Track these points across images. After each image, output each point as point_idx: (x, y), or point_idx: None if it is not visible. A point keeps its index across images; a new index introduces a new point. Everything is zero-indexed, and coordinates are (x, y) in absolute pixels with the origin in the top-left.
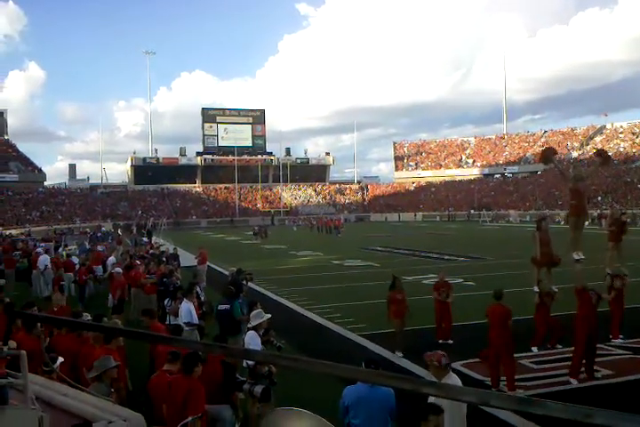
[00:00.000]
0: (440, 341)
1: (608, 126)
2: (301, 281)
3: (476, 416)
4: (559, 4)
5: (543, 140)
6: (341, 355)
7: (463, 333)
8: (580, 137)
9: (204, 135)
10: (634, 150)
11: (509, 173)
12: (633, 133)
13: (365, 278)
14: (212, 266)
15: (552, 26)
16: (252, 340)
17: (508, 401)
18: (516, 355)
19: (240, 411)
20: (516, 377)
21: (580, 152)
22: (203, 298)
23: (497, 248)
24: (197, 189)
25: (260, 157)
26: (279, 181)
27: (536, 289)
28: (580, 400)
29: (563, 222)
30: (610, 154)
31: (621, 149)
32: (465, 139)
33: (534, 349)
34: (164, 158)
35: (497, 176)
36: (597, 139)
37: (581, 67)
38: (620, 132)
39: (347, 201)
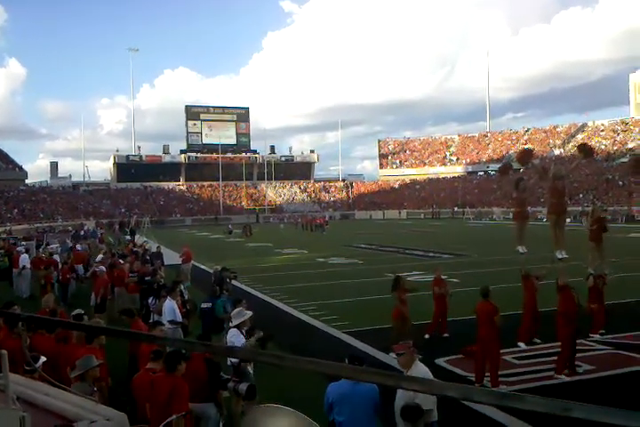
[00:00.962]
0: (443, 334)
1: (589, 124)
2: (286, 279)
3: (466, 414)
4: (542, 2)
5: (526, 137)
6: (326, 352)
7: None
8: (562, 135)
9: (187, 133)
10: (615, 148)
11: (493, 170)
12: (614, 131)
13: (350, 276)
14: (197, 264)
15: (534, 24)
16: (235, 338)
17: (489, 396)
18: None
19: (224, 409)
20: (500, 373)
21: (563, 150)
22: (186, 296)
23: (481, 245)
24: (181, 187)
25: (244, 154)
26: (264, 179)
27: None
28: (562, 395)
29: (545, 220)
30: (592, 147)
31: (602, 147)
32: (449, 136)
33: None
34: (147, 156)
35: (480, 174)
36: (579, 136)
37: (563, 65)
38: (602, 130)
39: (331, 199)
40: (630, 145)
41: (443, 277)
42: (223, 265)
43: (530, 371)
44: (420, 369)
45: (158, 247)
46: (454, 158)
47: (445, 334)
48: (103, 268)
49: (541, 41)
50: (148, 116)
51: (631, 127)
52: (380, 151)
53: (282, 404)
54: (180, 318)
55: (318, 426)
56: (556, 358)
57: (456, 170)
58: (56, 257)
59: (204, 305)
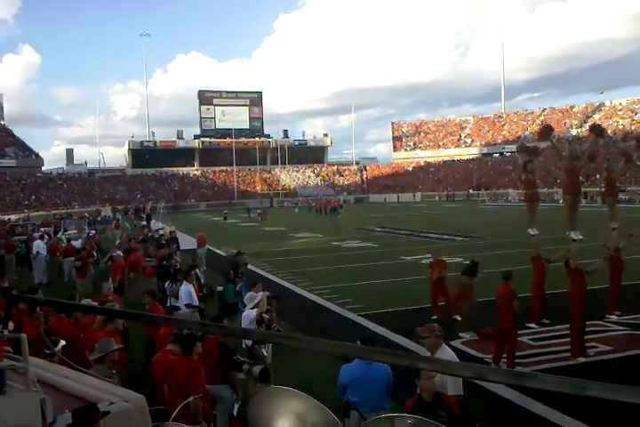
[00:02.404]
0: (434, 317)
1: (607, 104)
2: (300, 263)
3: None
4: None
5: (542, 118)
6: (341, 334)
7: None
8: (578, 115)
9: (201, 118)
10: (633, 127)
11: (508, 151)
12: (631, 111)
13: (364, 259)
14: (212, 249)
15: (550, 3)
16: (248, 316)
17: (503, 375)
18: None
19: (240, 391)
20: (516, 355)
21: (579, 130)
22: (202, 281)
23: (496, 227)
24: (195, 173)
25: (257, 139)
26: (277, 164)
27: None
28: (578, 376)
29: (561, 201)
30: (603, 128)
31: (620, 127)
32: (463, 118)
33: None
34: (161, 142)
35: (496, 155)
36: (596, 116)
37: (580, 44)
38: (619, 110)
39: (345, 182)
40: None
41: (457, 259)
42: (238, 249)
43: (546, 352)
44: (447, 353)
45: (173, 232)
46: (469, 140)
47: (434, 317)
48: (120, 253)
49: (557, 19)
50: (161, 102)
51: None
52: (393, 134)
53: (297, 386)
54: (196, 301)
55: (324, 407)
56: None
57: (471, 152)
58: (74, 243)
59: (218, 288)
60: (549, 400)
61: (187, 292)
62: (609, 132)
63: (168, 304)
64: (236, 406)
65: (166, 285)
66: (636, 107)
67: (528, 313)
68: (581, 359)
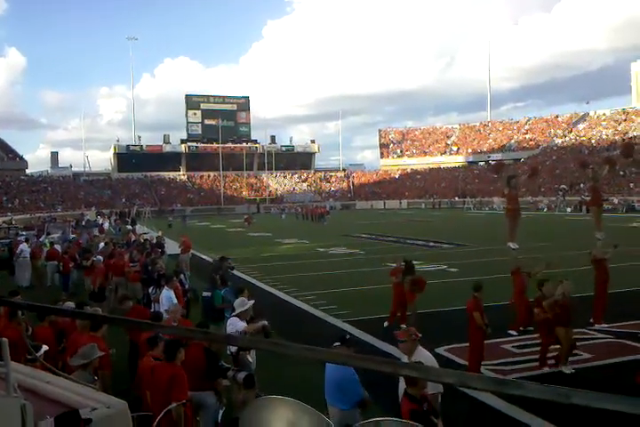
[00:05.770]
0: (386, 324)
1: (591, 114)
2: (286, 268)
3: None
4: None
5: (527, 127)
6: (326, 341)
7: (445, 318)
8: (563, 124)
9: (187, 122)
10: (616, 137)
11: (493, 160)
12: (615, 121)
13: (350, 266)
14: (197, 254)
15: (535, 13)
16: (234, 325)
17: (486, 382)
18: (497, 340)
19: (224, 398)
20: (498, 361)
21: (564, 139)
22: (187, 286)
23: (481, 235)
24: (182, 177)
25: (244, 144)
26: (264, 169)
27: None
28: (561, 383)
29: (545, 209)
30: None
31: (604, 137)
32: (450, 126)
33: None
34: (147, 146)
35: (481, 163)
36: (580, 126)
37: (564, 55)
38: (603, 120)
39: (332, 189)
40: (632, 134)
41: (442, 266)
42: (222, 255)
43: (529, 360)
44: (424, 355)
45: (159, 237)
46: (455, 148)
47: (402, 325)
48: (100, 257)
49: (542, 30)
50: (148, 106)
51: (633, 117)
52: (380, 141)
53: (283, 392)
54: None
55: (319, 414)
56: (557, 346)
57: (457, 160)
58: (57, 247)
59: (204, 294)
60: (532, 407)
61: (167, 297)
62: (592, 142)
63: (152, 309)
64: (221, 413)
65: (150, 290)
66: (620, 117)
67: (509, 320)
68: (568, 369)
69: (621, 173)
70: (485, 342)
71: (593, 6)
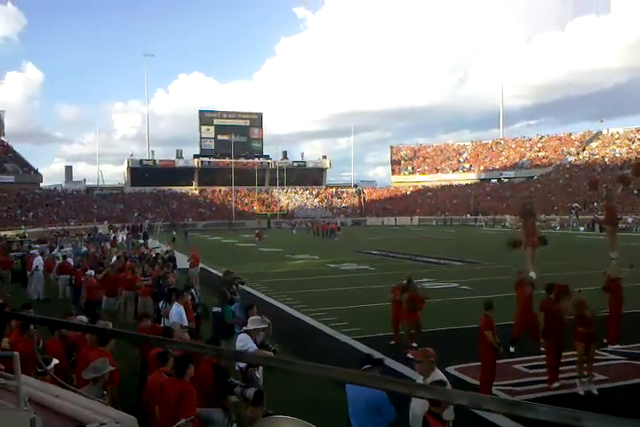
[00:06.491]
0: (394, 342)
1: (604, 132)
2: (297, 284)
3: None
4: (556, 10)
5: (540, 145)
6: (336, 358)
7: (455, 336)
8: (576, 142)
9: (200, 138)
10: (629, 156)
11: (505, 177)
12: (629, 139)
13: (361, 282)
14: (208, 269)
15: (548, 32)
16: (245, 342)
17: (498, 404)
18: (509, 360)
19: (233, 414)
20: (509, 382)
21: (577, 157)
22: (197, 300)
23: (493, 253)
24: (194, 192)
25: (256, 160)
26: (276, 185)
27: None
28: (574, 405)
29: (558, 228)
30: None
31: (617, 155)
32: (462, 143)
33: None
34: (160, 161)
35: (493, 181)
36: (594, 144)
37: (577, 73)
38: (617, 138)
39: (343, 205)
40: None
41: (453, 284)
42: (227, 269)
43: (540, 381)
44: (439, 377)
45: (171, 251)
46: (467, 165)
47: (414, 344)
48: (92, 271)
49: (555, 48)
50: (161, 121)
51: None
52: (392, 157)
53: (291, 409)
54: (185, 322)
55: None
56: (573, 366)
57: (469, 177)
58: (69, 260)
59: (214, 309)
60: None
61: (177, 313)
62: (605, 160)
63: (162, 324)
64: None
65: (160, 304)
66: (633, 135)
67: (523, 339)
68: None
69: (635, 191)
70: (497, 361)
71: (605, 25)
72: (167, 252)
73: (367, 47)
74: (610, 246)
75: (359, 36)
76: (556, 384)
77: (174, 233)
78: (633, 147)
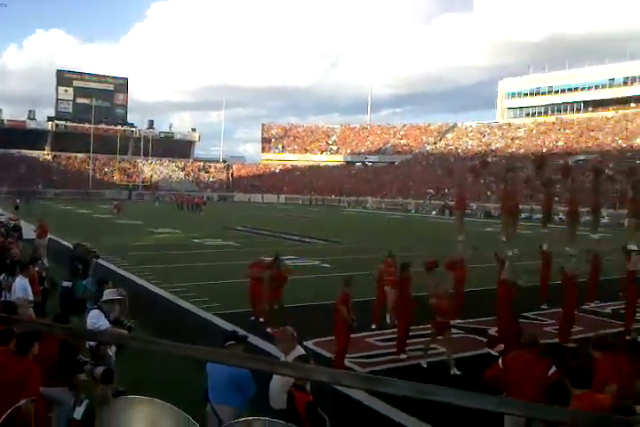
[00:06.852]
0: (254, 318)
1: (459, 125)
2: (156, 259)
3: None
4: (426, 4)
5: (402, 132)
6: (196, 334)
7: (316, 312)
8: (434, 132)
9: (57, 99)
10: (479, 149)
11: (370, 161)
12: (480, 133)
13: (225, 258)
14: (58, 240)
15: (418, 26)
16: (98, 319)
17: (357, 380)
18: (362, 334)
19: (83, 393)
20: (361, 354)
21: (434, 147)
22: (44, 274)
23: (354, 233)
24: (46, 157)
25: (119, 127)
26: (140, 155)
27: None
28: (414, 377)
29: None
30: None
31: (469, 147)
32: (331, 126)
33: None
34: (9, 120)
35: (358, 164)
36: (449, 135)
37: (441, 68)
38: (470, 131)
39: (211, 179)
40: (494, 146)
41: (315, 262)
42: (78, 241)
43: (390, 353)
44: (299, 353)
45: (16, 220)
46: (335, 147)
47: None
48: None
49: (422, 42)
50: (12, 78)
51: (495, 130)
52: (263, 135)
53: (145, 387)
54: (31, 296)
55: (181, 411)
56: (424, 339)
57: (336, 159)
58: None
59: (64, 284)
60: (398, 402)
61: (21, 286)
62: (459, 151)
63: (3, 298)
64: (82, 410)
65: (1, 277)
66: (484, 130)
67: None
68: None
69: (481, 180)
70: (351, 335)
71: (469, 24)
72: (11, 220)
73: (243, 23)
74: (457, 230)
75: (235, 10)
76: (403, 356)
77: (18, 201)
78: (483, 140)
